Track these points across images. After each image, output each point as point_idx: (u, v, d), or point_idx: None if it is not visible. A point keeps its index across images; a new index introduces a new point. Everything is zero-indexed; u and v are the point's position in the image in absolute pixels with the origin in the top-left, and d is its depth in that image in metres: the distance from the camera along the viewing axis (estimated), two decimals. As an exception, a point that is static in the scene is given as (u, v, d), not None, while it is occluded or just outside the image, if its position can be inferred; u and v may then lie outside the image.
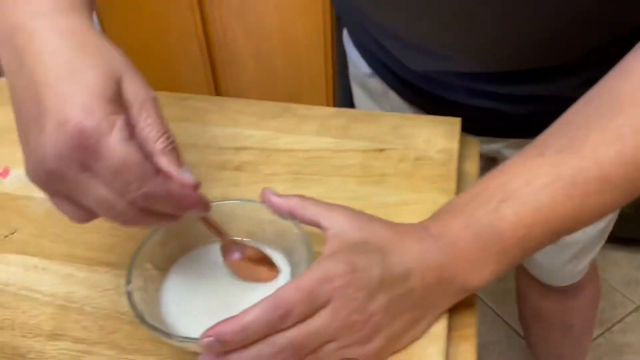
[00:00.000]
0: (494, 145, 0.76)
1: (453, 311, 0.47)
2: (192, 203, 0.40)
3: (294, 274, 0.47)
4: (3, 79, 0.77)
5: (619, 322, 1.44)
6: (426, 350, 0.44)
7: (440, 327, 0.45)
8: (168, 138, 0.40)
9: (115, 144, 0.35)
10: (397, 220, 0.54)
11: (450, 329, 0.46)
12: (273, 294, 0.38)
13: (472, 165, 0.63)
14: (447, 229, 0.43)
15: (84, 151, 0.34)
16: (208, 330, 0.37)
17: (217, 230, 0.47)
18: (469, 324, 0.48)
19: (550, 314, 1.02)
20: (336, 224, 0.44)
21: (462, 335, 0.47)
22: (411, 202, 0.56)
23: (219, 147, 0.64)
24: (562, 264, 0.87)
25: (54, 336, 0.46)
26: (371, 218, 0.45)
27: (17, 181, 0.61)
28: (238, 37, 1.44)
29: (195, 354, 0.44)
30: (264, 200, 0.48)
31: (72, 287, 0.50)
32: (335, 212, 0.45)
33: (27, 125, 0.37)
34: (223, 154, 0.64)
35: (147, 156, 0.38)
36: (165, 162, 0.38)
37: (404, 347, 0.44)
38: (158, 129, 0.39)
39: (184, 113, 0.68)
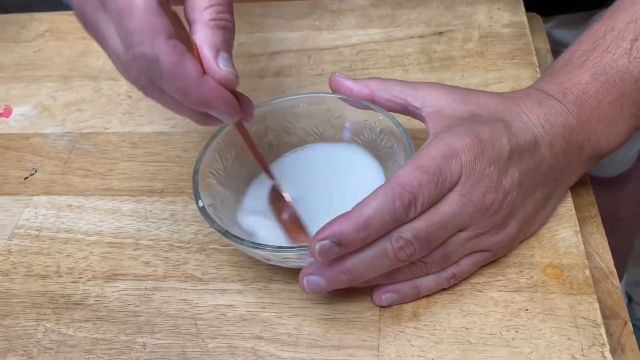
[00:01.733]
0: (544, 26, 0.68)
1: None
2: (216, 100, 0.31)
3: (388, 172, 0.39)
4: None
5: (648, 219, 1.40)
6: (558, 233, 0.37)
7: (565, 208, 0.39)
8: (220, 12, 0.31)
9: None
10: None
11: (569, 211, 0.40)
12: (391, 180, 0.31)
13: (542, 40, 0.55)
14: (570, 85, 0.36)
15: None
16: (319, 233, 0.30)
17: (261, 162, 0.39)
18: (589, 202, 0.41)
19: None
20: (431, 101, 0.36)
21: (585, 216, 0.40)
22: (491, 82, 0.49)
23: (250, 55, 0.56)
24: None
25: (112, 277, 0.39)
26: (470, 90, 0.38)
27: (23, 119, 0.53)
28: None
29: (288, 271, 0.37)
30: (335, 88, 0.40)
31: (120, 222, 0.42)
32: (425, 88, 0.37)
33: None
34: (257, 61, 0.55)
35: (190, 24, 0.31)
36: (200, 36, 0.31)
37: (534, 232, 0.37)
38: None
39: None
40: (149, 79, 0.31)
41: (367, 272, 0.32)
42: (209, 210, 0.35)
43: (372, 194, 0.30)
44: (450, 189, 0.31)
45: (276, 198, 0.38)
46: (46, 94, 0.55)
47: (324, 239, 0.30)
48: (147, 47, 0.28)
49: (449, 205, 0.31)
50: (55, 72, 0.57)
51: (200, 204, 0.35)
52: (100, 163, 0.47)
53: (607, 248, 0.39)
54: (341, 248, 0.30)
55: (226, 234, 0.33)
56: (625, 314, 0.36)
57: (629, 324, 0.35)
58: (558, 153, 0.35)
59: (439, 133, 0.33)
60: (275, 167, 0.41)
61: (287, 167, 0.41)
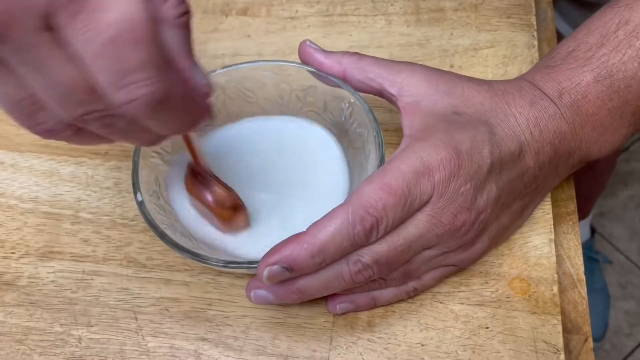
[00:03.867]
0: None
1: (550, 186, 0.37)
2: (202, 115, 0.24)
3: (352, 164, 0.35)
4: None
5: (623, 151, 1.40)
6: (530, 241, 0.35)
7: (543, 211, 0.36)
8: (182, 2, 0.23)
9: None
10: (466, 73, 0.42)
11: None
12: (353, 200, 0.27)
13: (545, -9, 0.49)
14: (569, 85, 0.31)
15: None
16: (269, 255, 0.27)
17: (194, 153, 0.31)
18: (568, 196, 0.38)
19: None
20: (410, 89, 0.32)
21: (562, 213, 0.37)
22: (482, 46, 0.43)
23: (215, -16, 0.49)
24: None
25: (47, 255, 0.36)
26: (456, 77, 0.33)
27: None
28: None
29: (239, 275, 0.34)
30: (305, 59, 0.35)
31: (58, 188, 0.38)
32: (405, 72, 0.32)
33: None
34: (221, -8, 0.48)
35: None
36: (176, 43, 0.22)
37: (505, 241, 0.34)
38: None
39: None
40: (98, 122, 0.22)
41: (320, 292, 0.29)
42: (149, 203, 0.31)
43: (330, 214, 0.27)
44: (418, 209, 0.28)
45: (194, 177, 0.32)
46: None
47: (274, 263, 0.27)
48: (157, 85, 0.20)
49: (415, 227, 0.28)
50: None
51: (139, 197, 0.31)
52: (38, 111, 0.42)
53: (580, 251, 0.37)
54: (292, 273, 0.27)
55: (163, 236, 0.30)
56: (587, 328, 0.34)
57: (590, 341, 0.34)
58: (544, 162, 0.32)
59: (414, 139, 0.29)
60: (222, 136, 0.37)
61: (234, 141, 0.37)
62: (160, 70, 0.20)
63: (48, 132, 0.23)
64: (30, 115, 0.22)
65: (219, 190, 0.31)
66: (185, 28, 0.23)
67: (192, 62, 0.23)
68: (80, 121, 0.22)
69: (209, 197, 0.32)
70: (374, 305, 0.32)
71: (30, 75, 0.20)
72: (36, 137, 0.40)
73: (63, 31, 0.19)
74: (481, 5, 0.46)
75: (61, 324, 0.33)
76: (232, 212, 0.32)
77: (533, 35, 0.44)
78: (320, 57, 0.34)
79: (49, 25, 0.19)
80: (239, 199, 0.32)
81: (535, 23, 0.44)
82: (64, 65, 0.19)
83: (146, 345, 0.32)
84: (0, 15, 0.18)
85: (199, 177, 0.32)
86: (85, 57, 0.19)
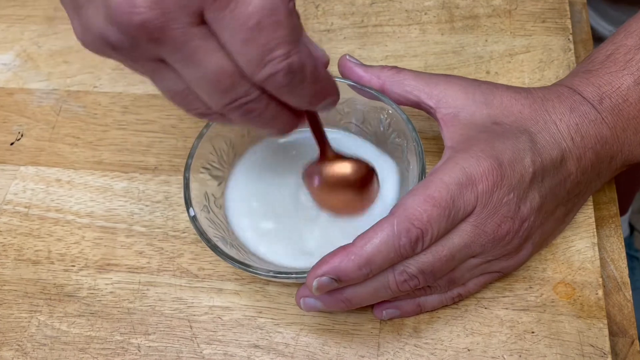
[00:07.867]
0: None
1: (591, 189, 0.37)
2: (330, 85, 0.27)
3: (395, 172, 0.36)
4: None
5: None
6: (574, 245, 0.35)
7: (585, 215, 0.36)
8: None
9: None
10: (502, 79, 0.42)
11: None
12: (398, 212, 0.28)
13: (579, -8, 0.49)
14: (609, 89, 0.32)
15: None
16: (318, 266, 0.28)
17: (322, 139, 0.32)
18: (610, 199, 0.38)
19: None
20: (447, 101, 0.32)
21: (604, 216, 0.38)
22: (518, 51, 0.44)
23: (252, -1, 0.50)
24: None
25: (104, 267, 0.38)
26: (494, 87, 0.33)
27: (6, 70, 0.49)
28: None
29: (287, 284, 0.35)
30: (344, 73, 0.36)
31: (111, 203, 0.40)
32: (442, 84, 0.33)
33: None
34: (258, 7, 0.50)
35: None
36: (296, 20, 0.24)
37: (548, 246, 0.35)
38: None
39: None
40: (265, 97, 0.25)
41: (367, 300, 0.30)
42: (201, 215, 0.33)
43: (376, 226, 0.28)
44: (462, 220, 0.29)
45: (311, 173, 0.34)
46: (29, 40, 0.50)
47: (323, 275, 0.28)
48: (294, 57, 0.23)
49: (460, 237, 0.29)
50: (39, 12, 0.52)
51: (192, 212, 0.32)
52: (90, 130, 0.44)
53: (623, 254, 0.37)
54: (340, 283, 0.28)
55: (216, 248, 0.31)
56: (633, 331, 0.34)
57: (637, 343, 0.34)
58: (586, 167, 0.32)
59: (456, 151, 0.30)
60: (276, 149, 0.38)
61: (279, 153, 0.38)
62: (295, 44, 0.23)
63: (201, 115, 0.27)
64: (187, 103, 0.26)
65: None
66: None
67: (307, 37, 0.26)
68: (224, 110, 0.25)
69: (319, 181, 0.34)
70: (419, 311, 0.33)
71: (185, 70, 0.24)
72: (89, 154, 0.42)
73: (212, 25, 0.22)
74: (515, 10, 0.46)
75: (121, 333, 0.35)
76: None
77: (569, 39, 0.44)
78: (359, 71, 0.35)
79: (200, 21, 0.22)
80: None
81: (570, 26, 0.44)
82: (213, 55, 0.23)
83: (201, 352, 0.34)
84: (159, 19, 0.21)
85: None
86: (234, 44, 0.22)
